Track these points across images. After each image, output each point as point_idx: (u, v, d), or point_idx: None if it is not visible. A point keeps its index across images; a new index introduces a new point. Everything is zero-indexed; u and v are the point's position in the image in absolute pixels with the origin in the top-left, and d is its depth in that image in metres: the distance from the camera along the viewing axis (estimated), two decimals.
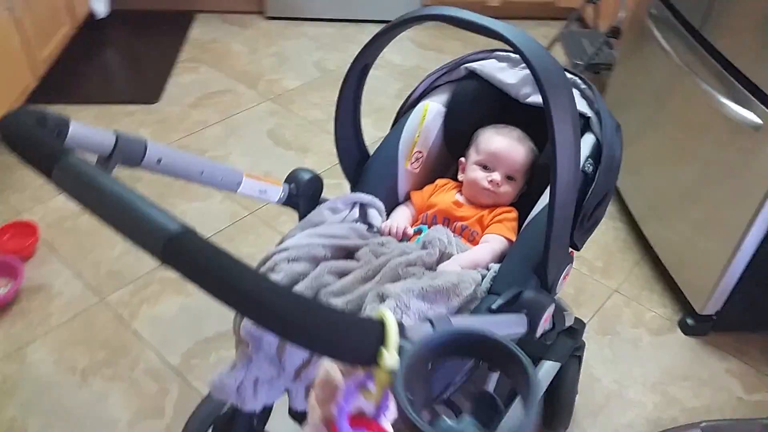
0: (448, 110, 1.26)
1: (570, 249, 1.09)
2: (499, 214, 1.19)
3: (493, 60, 1.25)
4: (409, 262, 1.03)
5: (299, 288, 1.01)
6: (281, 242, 1.09)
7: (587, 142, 1.14)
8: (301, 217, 1.14)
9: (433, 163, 1.30)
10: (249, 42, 3.05)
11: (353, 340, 0.49)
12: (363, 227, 1.14)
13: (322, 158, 2.36)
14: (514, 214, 1.20)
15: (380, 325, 0.50)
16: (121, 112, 2.51)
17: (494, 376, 1.08)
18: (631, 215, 2.10)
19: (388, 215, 1.23)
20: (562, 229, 0.96)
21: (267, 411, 1.16)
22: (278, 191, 1.09)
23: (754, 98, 1.47)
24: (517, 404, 1.01)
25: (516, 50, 0.86)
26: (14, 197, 2.11)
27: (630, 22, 2.11)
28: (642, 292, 1.91)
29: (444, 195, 1.25)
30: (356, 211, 1.17)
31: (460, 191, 1.26)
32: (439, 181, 1.29)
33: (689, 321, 1.77)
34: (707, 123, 1.66)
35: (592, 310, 1.85)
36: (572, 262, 1.10)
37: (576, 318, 1.37)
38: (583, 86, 1.18)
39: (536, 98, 1.21)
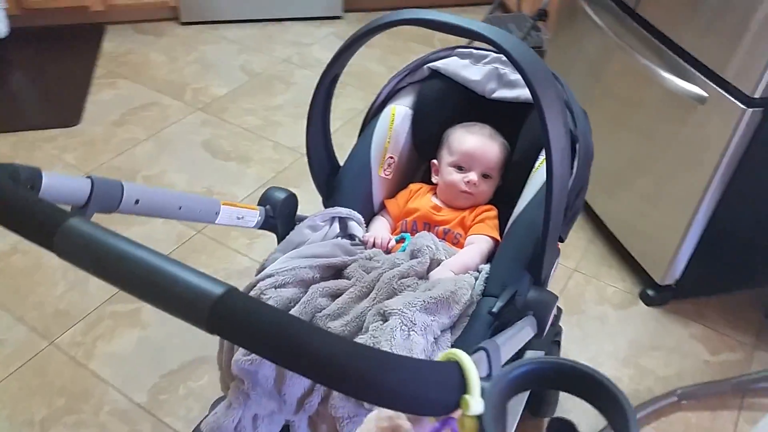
0: (415, 112, 1.23)
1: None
2: (480, 213, 1.18)
3: (455, 57, 1.23)
4: (402, 273, 1.01)
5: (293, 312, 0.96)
6: (262, 268, 1.04)
7: None
8: (280, 239, 1.08)
9: (405, 168, 1.27)
10: (167, 50, 2.90)
11: (433, 391, 0.45)
12: (347, 242, 1.10)
13: (266, 166, 2.28)
14: (494, 212, 1.19)
15: (458, 369, 0.47)
16: (40, 138, 2.34)
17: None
18: None
19: (366, 226, 1.19)
20: (557, 223, 0.96)
21: None
22: (255, 215, 1.03)
23: (697, 72, 1.52)
24: None
25: (500, 49, 0.83)
26: None
27: (560, 4, 2.14)
28: (600, 268, 1.96)
29: (421, 200, 1.22)
30: (336, 226, 1.13)
31: (435, 194, 1.24)
32: (413, 186, 1.26)
33: (650, 292, 1.82)
34: (650, 98, 1.71)
35: (555, 291, 1.87)
36: (559, 255, 1.10)
37: None
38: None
39: (502, 93, 1.20)
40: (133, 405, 1.54)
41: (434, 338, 0.93)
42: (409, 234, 1.16)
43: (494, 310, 0.98)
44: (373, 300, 0.97)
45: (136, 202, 0.76)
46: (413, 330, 0.89)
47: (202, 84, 2.70)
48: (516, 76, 1.19)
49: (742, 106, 1.42)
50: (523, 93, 1.18)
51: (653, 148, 1.73)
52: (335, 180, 1.18)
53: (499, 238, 1.14)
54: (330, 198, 1.18)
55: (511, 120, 1.21)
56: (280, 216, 1.07)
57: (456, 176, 1.20)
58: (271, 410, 0.95)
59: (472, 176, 1.18)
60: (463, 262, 1.08)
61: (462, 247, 1.15)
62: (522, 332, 0.85)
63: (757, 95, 1.40)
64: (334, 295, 0.99)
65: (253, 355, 0.87)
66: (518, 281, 1.04)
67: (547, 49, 2.28)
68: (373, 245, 1.12)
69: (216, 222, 0.95)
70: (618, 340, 1.74)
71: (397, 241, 1.15)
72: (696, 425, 1.53)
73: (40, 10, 2.83)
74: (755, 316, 1.81)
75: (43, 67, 2.73)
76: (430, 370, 0.46)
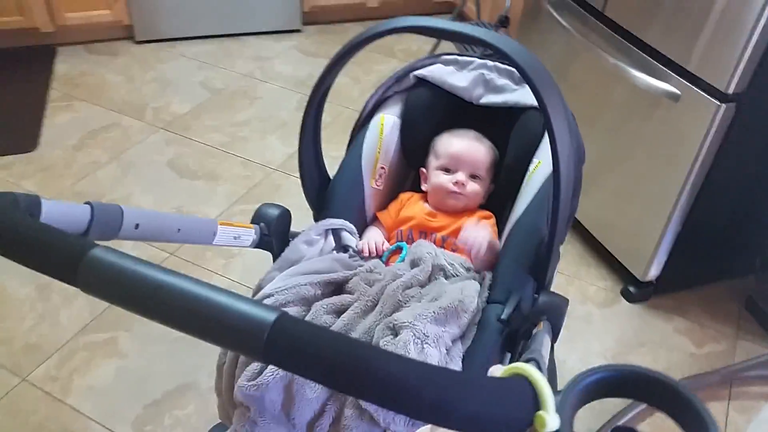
0: (404, 121, 1.21)
1: None
2: (480, 220, 1.16)
3: (440, 65, 1.21)
4: (405, 284, 0.98)
5: None
6: (259, 288, 1.00)
7: None
8: (276, 257, 1.04)
9: (395, 178, 1.25)
10: (123, 70, 2.82)
11: (508, 410, 0.43)
12: (345, 256, 1.07)
13: (235, 183, 2.22)
14: (493, 219, 1.18)
15: (529, 386, 0.44)
16: None
17: None
18: None
19: (360, 237, 1.16)
20: (564, 227, 0.95)
21: None
22: (251, 234, 0.99)
23: (668, 70, 1.55)
24: None
25: (501, 54, 0.82)
26: None
27: (524, 7, 2.16)
28: (580, 268, 1.97)
29: (413, 207, 1.20)
30: (331, 239, 1.10)
31: (427, 201, 1.22)
32: (402, 196, 1.24)
33: (631, 289, 1.84)
34: (621, 97, 1.73)
35: None
36: (560, 259, 1.09)
37: None
38: None
39: (489, 98, 1.19)
40: None
41: (446, 349, 0.90)
42: (405, 243, 1.14)
43: (503, 317, 0.96)
44: (380, 314, 0.94)
45: (136, 226, 0.72)
46: (426, 342, 0.86)
47: (162, 102, 2.63)
48: (503, 81, 1.18)
49: (716, 101, 1.45)
50: (511, 97, 1.17)
51: (627, 146, 1.76)
52: (327, 192, 1.15)
53: (497, 239, 1.13)
54: (322, 211, 1.14)
55: (499, 125, 1.20)
56: (275, 233, 1.04)
57: (443, 177, 1.19)
58: None
59: (460, 176, 1.17)
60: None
61: (461, 254, 1.13)
62: (546, 338, 0.84)
63: (730, 91, 1.43)
64: (339, 312, 0.96)
65: (260, 379, 0.83)
66: (523, 287, 1.03)
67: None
68: (368, 253, 1.09)
69: (213, 243, 0.90)
70: (605, 339, 1.75)
71: (394, 251, 1.13)
72: None
73: None
74: (734, 307, 1.85)
75: None
76: (504, 389, 0.44)
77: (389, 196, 1.24)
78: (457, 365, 0.90)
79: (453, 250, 1.14)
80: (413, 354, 0.84)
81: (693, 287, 1.89)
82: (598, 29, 1.76)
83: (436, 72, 1.20)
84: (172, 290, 0.44)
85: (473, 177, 1.19)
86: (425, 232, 1.16)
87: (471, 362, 0.91)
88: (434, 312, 0.90)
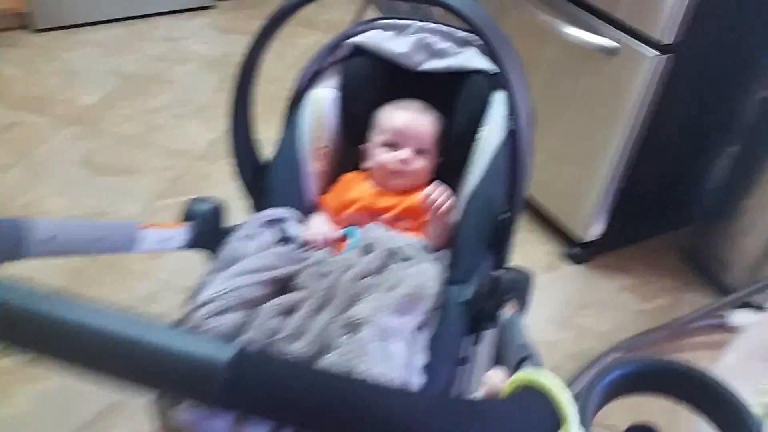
0: (343, 94, 1.11)
1: None
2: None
3: (377, 30, 1.12)
4: (360, 274, 0.90)
5: (244, 343, 0.82)
6: (196, 294, 0.89)
7: (500, 99, 1.06)
8: (212, 256, 0.93)
9: (337, 157, 1.15)
10: (23, 62, 2.57)
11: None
12: (289, 249, 0.97)
13: (157, 176, 2.06)
14: None
15: (546, 401, 0.37)
16: None
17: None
18: None
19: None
20: (523, 197, 0.88)
21: None
22: (182, 234, 0.88)
23: (603, 23, 1.50)
24: None
25: (459, 15, 0.74)
26: None
27: None
28: (522, 234, 1.92)
29: (358, 188, 1.11)
30: (273, 231, 0.99)
31: (371, 180, 1.13)
32: (346, 176, 1.15)
33: (574, 251, 1.82)
34: (552, 54, 1.67)
35: None
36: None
37: None
38: (479, 42, 1.09)
39: (432, 64, 1.11)
40: None
41: (409, 342, 0.83)
42: (356, 227, 1.05)
43: (467, 299, 0.89)
44: (335, 310, 0.85)
45: (47, 240, 0.60)
46: (392, 339, 0.78)
47: (69, 95, 2.42)
48: (444, 44, 1.10)
49: (656, 53, 1.42)
50: (454, 61, 1.09)
51: (562, 105, 1.70)
52: (264, 179, 1.04)
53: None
54: (260, 199, 1.04)
55: (444, 92, 1.12)
56: (209, 230, 0.92)
57: (387, 155, 1.10)
58: None
59: (404, 153, 1.09)
60: None
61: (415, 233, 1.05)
62: (521, 327, 0.77)
63: (670, 41, 1.40)
64: (288, 312, 0.87)
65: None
66: (482, 263, 0.96)
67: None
68: (317, 244, 1.00)
69: (140, 249, 0.79)
70: (552, 304, 1.72)
71: (341, 238, 1.04)
72: None
73: None
74: (673, 260, 1.86)
75: None
76: (522, 412, 0.36)
77: (333, 178, 1.14)
78: (421, 357, 0.82)
79: (404, 230, 1.06)
80: (376, 355, 0.76)
81: (634, 243, 1.88)
82: None
83: (373, 38, 1.11)
84: (91, 331, 0.33)
85: (419, 152, 1.10)
86: (373, 214, 1.07)
87: (437, 352, 0.84)
88: (394, 302, 0.82)
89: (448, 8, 0.76)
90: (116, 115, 2.32)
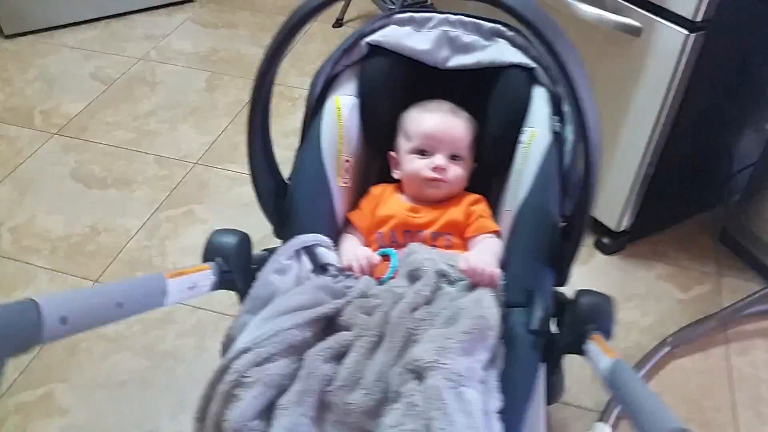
0: (363, 99, 1.01)
1: None
2: (470, 207, 0.99)
3: (394, 26, 1.01)
4: (411, 306, 0.81)
5: (292, 398, 0.73)
6: (230, 339, 0.80)
7: (542, 97, 0.97)
8: (242, 296, 0.84)
9: (361, 170, 1.06)
10: None
11: None
12: (329, 280, 0.88)
13: (154, 186, 1.95)
14: (484, 203, 1.01)
15: None
16: None
17: None
18: None
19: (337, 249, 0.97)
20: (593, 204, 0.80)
21: None
22: (208, 277, 0.78)
23: (625, 2, 1.40)
24: None
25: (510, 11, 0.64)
26: None
27: None
28: None
29: (390, 203, 1.02)
30: (306, 260, 0.90)
31: (402, 192, 1.04)
32: (374, 190, 1.05)
33: (606, 240, 1.73)
34: (575, 38, 1.57)
35: None
36: None
37: None
38: (509, 33, 0.99)
39: (458, 60, 1.02)
40: None
41: (481, 383, 0.74)
42: (392, 250, 0.95)
43: (535, 327, 0.80)
44: (390, 350, 0.76)
45: (63, 320, 0.50)
46: (462, 384, 0.69)
47: (50, 104, 2.29)
48: (470, 37, 1.00)
49: (684, 31, 1.32)
50: (484, 56, 0.99)
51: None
52: (287, 201, 0.94)
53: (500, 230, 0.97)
54: (285, 226, 0.94)
55: (474, 90, 1.02)
56: (236, 266, 0.83)
57: (419, 163, 1.00)
58: None
59: (438, 160, 0.99)
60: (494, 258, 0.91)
61: (458, 249, 0.96)
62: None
63: (699, 18, 1.30)
64: (338, 356, 0.77)
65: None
66: (541, 282, 0.87)
67: (434, 2, 2.11)
68: (359, 271, 0.91)
69: (166, 303, 0.69)
70: None
71: (381, 258, 0.95)
72: (692, 369, 1.47)
73: None
74: (709, 242, 1.78)
75: None
76: None
77: (358, 192, 1.05)
78: (496, 401, 0.74)
79: (447, 247, 0.97)
80: (453, 405, 0.67)
81: (665, 229, 1.80)
82: None
83: (391, 35, 1.00)
84: None
85: (453, 158, 1.01)
86: (410, 231, 0.98)
87: (513, 395, 0.75)
88: (459, 340, 0.73)
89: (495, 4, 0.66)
90: (103, 123, 2.20)
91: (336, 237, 0.99)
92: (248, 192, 0.89)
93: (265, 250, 0.93)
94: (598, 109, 0.75)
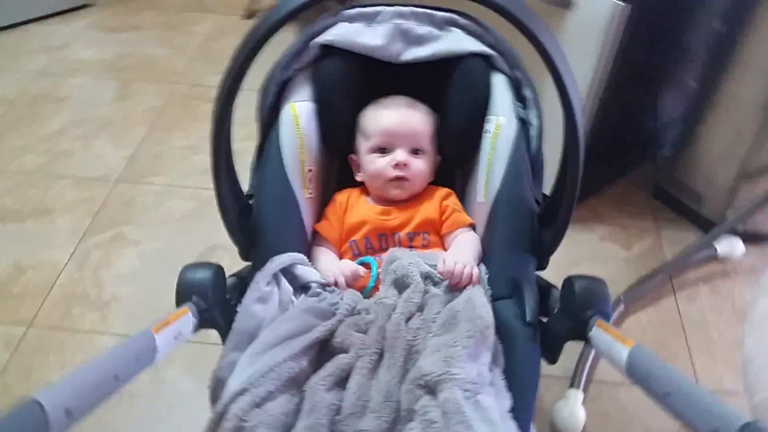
0: (319, 104, 0.96)
1: None
2: (443, 201, 0.97)
3: (344, 23, 0.96)
4: (406, 316, 0.78)
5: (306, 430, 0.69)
6: (219, 382, 0.74)
7: (502, 83, 0.95)
8: (224, 334, 0.78)
9: (323, 178, 1.00)
10: None
11: None
12: (314, 301, 0.83)
13: (75, 212, 1.80)
14: (454, 195, 0.99)
15: None
16: None
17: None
18: None
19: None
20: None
21: None
22: (188, 320, 0.72)
23: None
24: None
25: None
26: None
27: None
28: None
29: (359, 209, 0.98)
30: (285, 283, 0.85)
31: (368, 195, 1.00)
32: (338, 197, 1.01)
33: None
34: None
35: None
36: None
37: None
38: (463, 21, 0.97)
39: (413, 53, 0.98)
40: None
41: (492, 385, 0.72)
42: (371, 257, 0.92)
43: (530, 320, 0.79)
44: (394, 367, 0.73)
45: (67, 413, 0.44)
46: (478, 392, 0.67)
47: None
48: (424, 29, 0.96)
49: (619, 2, 1.34)
50: (439, 47, 0.96)
51: None
52: (253, 221, 0.88)
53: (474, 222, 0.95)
54: (253, 248, 0.88)
55: (433, 83, 0.99)
56: (215, 304, 0.76)
57: (380, 162, 0.97)
58: None
59: (399, 155, 0.96)
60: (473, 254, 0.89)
61: (435, 247, 0.94)
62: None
63: None
64: (341, 381, 0.73)
65: None
66: (524, 272, 0.87)
67: None
68: (345, 285, 0.87)
69: (158, 359, 0.63)
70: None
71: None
72: (647, 323, 1.51)
73: None
74: (644, 199, 1.84)
75: None
76: None
77: (322, 201, 1.00)
78: (507, 401, 0.72)
79: (424, 246, 0.94)
80: (473, 415, 0.64)
81: (600, 191, 1.85)
82: None
83: (342, 34, 0.95)
84: None
85: (415, 152, 0.98)
86: (385, 235, 0.95)
87: (520, 391, 0.74)
88: (464, 347, 0.71)
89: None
90: (10, 148, 2.02)
91: (308, 252, 0.94)
92: (178, 205, 0.82)
93: (232, 275, 0.87)
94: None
